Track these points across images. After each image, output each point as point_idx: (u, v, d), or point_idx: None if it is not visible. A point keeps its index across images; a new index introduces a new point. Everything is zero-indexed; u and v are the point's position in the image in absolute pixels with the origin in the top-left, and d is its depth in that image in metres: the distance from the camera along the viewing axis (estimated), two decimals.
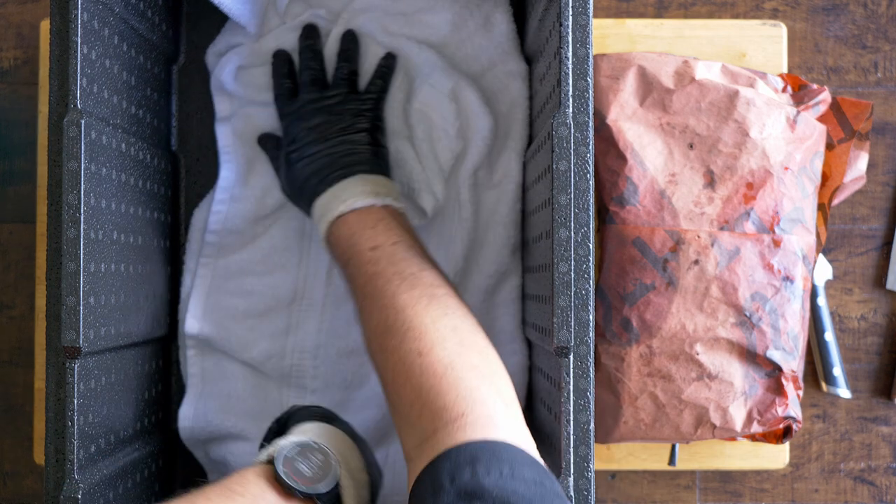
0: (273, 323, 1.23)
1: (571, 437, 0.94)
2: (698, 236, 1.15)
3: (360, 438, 1.03)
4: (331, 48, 1.22)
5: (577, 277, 0.95)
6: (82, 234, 0.95)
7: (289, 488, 0.91)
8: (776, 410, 1.15)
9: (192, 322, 1.21)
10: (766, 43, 1.27)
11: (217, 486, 0.92)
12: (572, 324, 0.95)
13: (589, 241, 0.95)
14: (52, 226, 0.97)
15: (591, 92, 0.96)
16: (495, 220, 1.20)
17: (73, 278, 0.95)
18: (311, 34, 1.22)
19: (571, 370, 0.95)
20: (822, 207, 1.22)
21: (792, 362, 1.15)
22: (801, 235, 1.16)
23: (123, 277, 1.06)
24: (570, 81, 0.96)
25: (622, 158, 1.16)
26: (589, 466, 0.94)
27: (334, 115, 1.16)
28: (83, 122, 0.95)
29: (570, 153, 0.95)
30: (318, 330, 1.22)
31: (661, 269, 1.15)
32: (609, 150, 1.17)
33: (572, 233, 0.95)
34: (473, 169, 1.19)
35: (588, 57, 0.96)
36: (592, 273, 0.96)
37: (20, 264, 1.32)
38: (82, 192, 0.95)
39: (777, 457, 1.27)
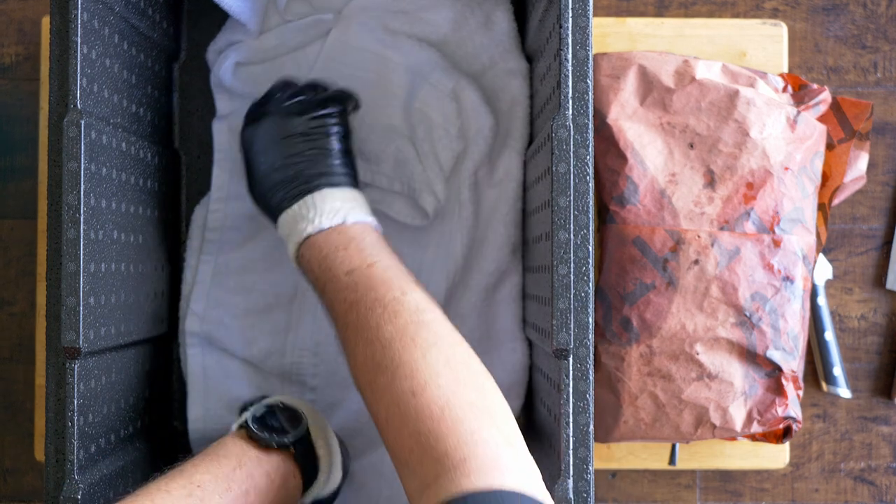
0: (274, 320, 1.23)
1: (571, 438, 0.94)
2: (698, 236, 1.15)
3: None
4: (329, 48, 1.22)
5: (576, 279, 0.95)
6: (82, 235, 0.95)
7: (264, 441, 1.01)
8: (776, 410, 1.15)
9: (193, 319, 1.22)
10: (767, 42, 1.27)
11: (201, 455, 0.99)
12: (572, 326, 0.95)
13: (588, 244, 0.95)
14: (52, 226, 0.97)
15: (590, 94, 0.96)
16: (496, 219, 1.20)
17: (73, 279, 0.95)
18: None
19: (571, 372, 0.95)
20: (823, 207, 1.22)
21: (792, 362, 1.15)
22: (801, 235, 1.16)
23: (124, 277, 1.06)
24: (570, 83, 0.96)
25: (622, 158, 1.16)
26: (588, 468, 0.95)
27: (301, 115, 1.11)
28: (83, 122, 0.95)
29: (570, 155, 0.95)
30: (319, 327, 1.22)
31: (662, 268, 1.15)
32: (609, 150, 1.17)
33: (572, 235, 0.95)
34: (474, 168, 1.19)
35: (588, 59, 0.96)
36: (592, 275, 0.96)
37: (21, 260, 1.32)
38: (82, 193, 0.95)
39: (777, 456, 1.27)
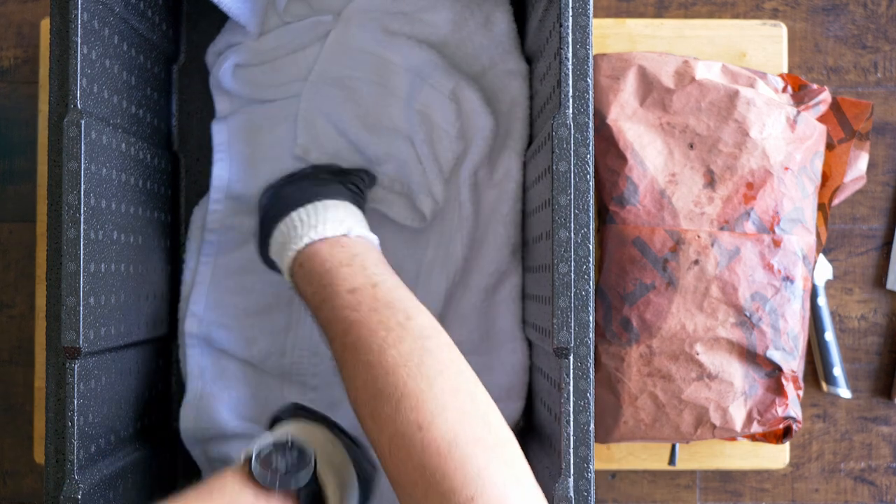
0: (273, 320, 1.23)
1: (571, 437, 0.94)
2: (698, 236, 1.15)
3: (349, 436, 1.01)
4: (329, 50, 1.22)
5: (577, 278, 0.95)
6: (82, 235, 0.95)
7: (264, 483, 0.92)
8: (776, 410, 1.15)
9: (192, 320, 1.22)
10: (766, 43, 1.27)
11: (196, 488, 0.92)
12: (572, 325, 0.94)
13: (589, 242, 0.95)
14: (52, 226, 0.97)
15: (591, 93, 0.96)
16: (495, 220, 1.20)
17: (73, 278, 0.94)
18: None
19: (571, 371, 0.95)
20: (823, 207, 1.22)
21: (792, 362, 1.15)
22: (801, 235, 1.16)
23: (123, 277, 1.06)
24: (570, 82, 0.96)
25: (622, 158, 1.16)
26: (589, 467, 0.94)
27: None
28: (83, 122, 0.95)
29: (570, 154, 0.95)
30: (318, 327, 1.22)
31: (661, 268, 1.15)
32: (609, 150, 1.17)
33: (572, 234, 0.95)
34: (474, 168, 1.19)
35: (588, 58, 0.96)
36: (592, 274, 0.96)
37: (20, 263, 1.32)
38: (82, 192, 0.95)
39: (777, 457, 1.27)
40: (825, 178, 1.22)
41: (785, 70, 1.27)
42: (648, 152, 1.17)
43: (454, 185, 1.21)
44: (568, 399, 0.95)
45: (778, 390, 1.15)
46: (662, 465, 1.26)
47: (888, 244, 1.32)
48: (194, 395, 1.21)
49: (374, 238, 1.05)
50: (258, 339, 1.22)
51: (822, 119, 1.21)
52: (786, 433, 1.18)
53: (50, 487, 0.96)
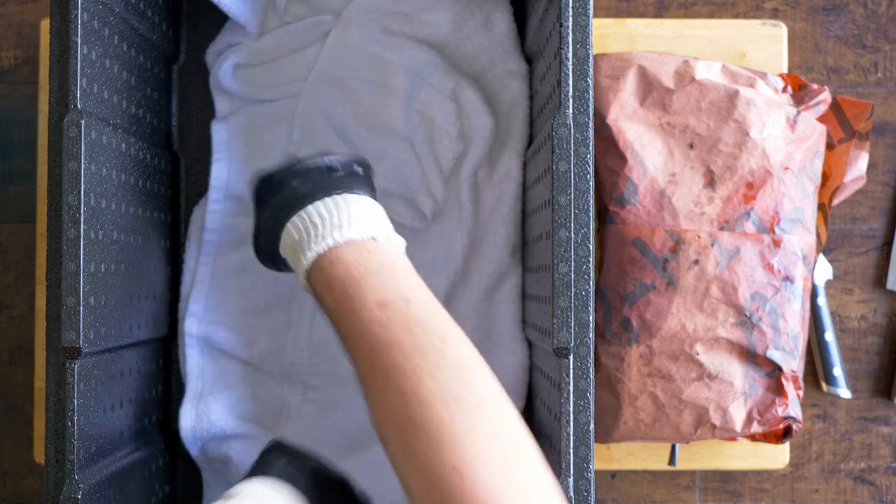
0: (273, 320, 1.23)
1: (571, 437, 0.94)
2: (698, 236, 1.15)
3: (335, 479, 0.94)
4: (328, 50, 1.22)
5: (577, 278, 0.95)
6: (82, 234, 0.95)
7: None
8: (776, 410, 1.15)
9: (192, 321, 1.22)
10: (766, 43, 1.27)
11: None
12: (572, 324, 0.95)
13: (589, 242, 0.95)
14: (52, 226, 0.97)
15: (591, 93, 0.96)
16: (495, 220, 1.20)
17: (73, 278, 0.94)
18: None
19: (571, 371, 0.95)
20: (823, 207, 1.22)
21: (792, 362, 1.15)
22: (801, 235, 1.16)
23: (124, 277, 1.06)
24: (571, 82, 0.96)
25: (622, 158, 1.16)
26: (589, 467, 0.94)
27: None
28: (83, 122, 0.95)
29: (570, 154, 0.95)
30: (317, 327, 1.22)
31: (661, 269, 1.15)
32: (609, 150, 1.17)
33: (572, 233, 0.95)
34: (474, 168, 1.19)
35: (588, 57, 0.96)
36: (592, 274, 0.96)
37: (20, 264, 1.32)
38: (82, 192, 0.95)
39: (777, 457, 1.27)
40: (825, 178, 1.22)
41: (785, 70, 1.27)
42: (648, 152, 1.17)
43: (454, 185, 1.21)
44: (568, 399, 0.95)
45: (778, 390, 1.15)
46: (662, 465, 1.26)
47: (888, 244, 1.32)
48: (194, 395, 1.21)
49: (402, 242, 0.96)
50: (258, 339, 1.22)
51: (822, 119, 1.21)
52: (786, 433, 1.18)
53: (50, 487, 0.96)
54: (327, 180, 0.96)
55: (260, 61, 1.24)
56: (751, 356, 1.15)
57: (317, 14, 1.24)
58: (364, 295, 0.87)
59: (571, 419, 0.94)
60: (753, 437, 1.19)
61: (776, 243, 1.15)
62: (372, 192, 1.00)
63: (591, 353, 0.95)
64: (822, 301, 1.29)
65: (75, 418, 0.96)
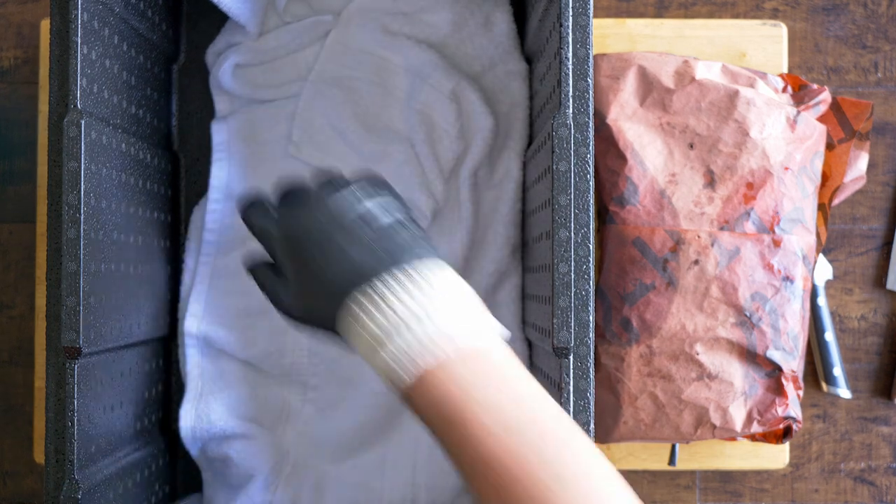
0: (273, 320, 1.23)
1: None
2: (698, 236, 1.15)
3: None
4: (328, 50, 1.22)
5: (577, 278, 0.95)
6: (82, 234, 0.95)
7: None
8: (776, 410, 1.15)
9: (192, 321, 1.22)
10: (766, 43, 1.27)
11: None
12: (572, 324, 0.95)
13: (589, 242, 0.95)
14: (52, 226, 0.97)
15: (591, 92, 0.96)
16: (495, 220, 1.20)
17: (73, 278, 0.95)
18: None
19: (571, 371, 0.95)
20: (823, 207, 1.22)
21: (792, 362, 1.15)
22: (801, 235, 1.16)
23: (123, 277, 1.06)
24: (571, 82, 0.96)
25: (622, 158, 1.16)
26: None
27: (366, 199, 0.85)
28: (83, 122, 0.95)
29: (571, 154, 0.95)
30: None
31: (661, 269, 1.15)
32: (609, 150, 1.17)
33: (572, 233, 0.95)
34: (474, 168, 1.19)
35: (588, 57, 0.96)
36: (592, 274, 0.96)
37: (20, 264, 1.32)
38: (82, 192, 0.95)
39: (777, 457, 1.27)
40: (825, 178, 1.22)
41: (785, 70, 1.27)
42: (648, 152, 1.17)
43: (454, 185, 1.21)
44: (568, 399, 0.95)
45: (778, 390, 1.15)
46: (662, 465, 1.26)
47: (888, 244, 1.32)
48: (194, 395, 1.21)
49: (507, 334, 0.82)
50: (257, 340, 1.22)
51: (822, 119, 1.21)
52: (786, 433, 1.18)
53: (50, 487, 0.96)
54: (390, 238, 0.82)
55: (260, 61, 1.24)
56: (751, 356, 1.15)
57: (317, 14, 1.24)
58: (484, 416, 0.74)
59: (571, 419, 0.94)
60: (753, 437, 1.19)
61: (776, 243, 1.15)
62: (428, 242, 0.85)
63: (591, 353, 0.95)
64: (822, 301, 1.29)
65: (75, 418, 0.96)
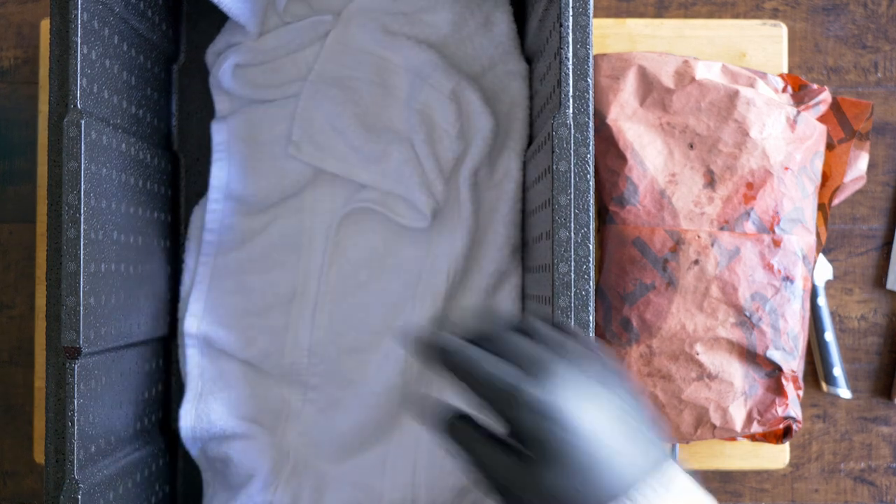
0: (272, 320, 1.23)
1: None
2: (698, 236, 1.15)
3: None
4: (328, 50, 1.22)
5: (577, 278, 0.95)
6: (82, 234, 0.95)
7: None
8: (776, 410, 1.15)
9: (192, 321, 1.22)
10: (766, 43, 1.27)
11: None
12: (572, 325, 0.94)
13: (589, 242, 0.95)
14: (52, 226, 0.97)
15: (591, 92, 0.96)
16: (495, 220, 1.20)
17: (73, 278, 0.94)
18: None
19: None
20: (823, 207, 1.22)
21: (792, 362, 1.15)
22: (801, 235, 1.16)
23: (123, 277, 1.06)
24: (571, 82, 0.96)
25: (622, 158, 1.16)
26: None
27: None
28: (83, 122, 0.95)
29: (571, 154, 0.95)
30: (317, 326, 1.22)
31: (661, 269, 1.15)
32: (609, 150, 1.17)
33: (572, 233, 0.95)
34: (474, 168, 1.19)
35: (588, 57, 0.96)
36: (592, 274, 0.96)
37: (20, 264, 1.32)
38: (82, 192, 0.95)
39: (777, 457, 1.26)
40: (825, 178, 1.22)
41: (785, 70, 1.27)
42: (648, 152, 1.17)
43: (454, 185, 1.21)
44: None
45: (778, 390, 1.15)
46: None
47: (888, 244, 1.32)
48: (194, 395, 1.21)
49: None
50: (257, 339, 1.22)
51: (822, 119, 1.21)
52: (786, 433, 1.18)
53: (50, 487, 0.96)
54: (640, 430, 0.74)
55: (260, 61, 1.24)
56: (751, 356, 1.15)
57: (317, 14, 1.24)
58: None
59: None
60: (753, 437, 1.19)
61: (776, 243, 1.15)
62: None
63: None
64: (822, 301, 1.29)
65: (75, 418, 0.96)
